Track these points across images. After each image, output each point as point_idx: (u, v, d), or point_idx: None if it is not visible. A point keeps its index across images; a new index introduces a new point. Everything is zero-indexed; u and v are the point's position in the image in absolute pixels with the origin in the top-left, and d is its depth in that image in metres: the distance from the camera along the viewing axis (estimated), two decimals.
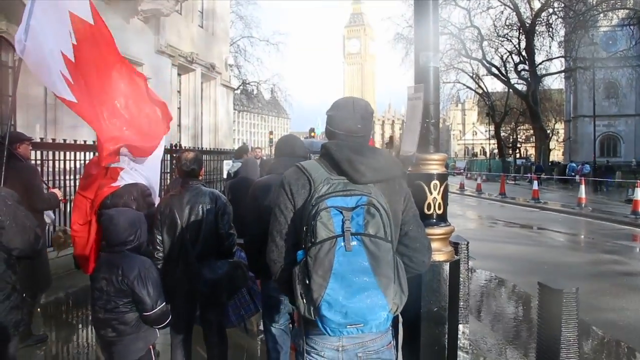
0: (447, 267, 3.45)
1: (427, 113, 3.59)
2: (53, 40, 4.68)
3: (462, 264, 4.77)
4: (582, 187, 20.35)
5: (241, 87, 51.89)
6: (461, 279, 4.53)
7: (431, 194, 3.50)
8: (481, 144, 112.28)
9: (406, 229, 2.34)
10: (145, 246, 3.77)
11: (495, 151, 64.42)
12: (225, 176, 12.72)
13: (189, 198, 4.18)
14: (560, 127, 70.60)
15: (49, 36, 4.66)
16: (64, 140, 9.40)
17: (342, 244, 2.02)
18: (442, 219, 3.56)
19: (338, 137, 2.37)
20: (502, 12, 43.57)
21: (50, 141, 9.05)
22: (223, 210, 4.25)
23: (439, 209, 3.53)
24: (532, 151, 63.32)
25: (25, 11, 4.61)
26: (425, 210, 3.48)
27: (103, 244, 3.68)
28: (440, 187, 3.53)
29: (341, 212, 2.06)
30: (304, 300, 2.06)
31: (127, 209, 3.97)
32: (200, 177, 4.51)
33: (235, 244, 4.51)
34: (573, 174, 36.98)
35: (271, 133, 47.10)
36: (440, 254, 3.46)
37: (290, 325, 4.23)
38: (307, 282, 2.03)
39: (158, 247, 4.17)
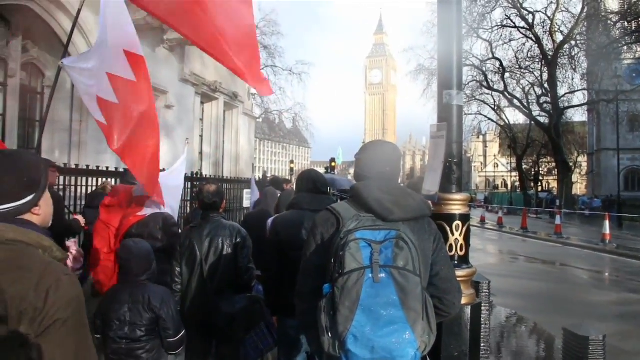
0: (468, 310, 3.38)
1: (450, 152, 3.55)
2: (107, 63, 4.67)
3: (483, 304, 4.67)
4: (607, 222, 19.93)
5: (263, 115, 52.33)
6: (482, 319, 4.44)
7: (453, 235, 3.45)
8: (502, 176, 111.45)
9: (437, 269, 2.33)
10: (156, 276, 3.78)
11: (517, 184, 63.82)
12: (245, 205, 12.71)
13: (209, 231, 4.20)
14: (583, 160, 69.83)
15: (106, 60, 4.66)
16: (87, 166, 9.48)
17: (370, 275, 2.00)
18: (464, 260, 3.50)
19: (367, 179, 2.41)
20: (524, 44, 43.55)
21: (74, 167, 9.12)
22: (243, 244, 4.26)
23: (461, 250, 3.47)
24: (554, 184, 62.64)
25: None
26: (448, 253, 3.42)
27: (121, 275, 3.70)
28: (462, 227, 3.48)
29: (370, 245, 2.05)
30: (329, 334, 2.02)
31: (140, 240, 3.97)
32: (221, 210, 4.51)
33: (254, 278, 4.48)
34: (583, 207, 37.05)
35: (292, 162, 47.22)
36: (462, 297, 3.39)
37: None
38: (333, 314, 2.00)
39: (176, 279, 4.17)
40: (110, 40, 4.54)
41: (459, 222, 3.45)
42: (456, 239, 3.44)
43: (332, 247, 2.13)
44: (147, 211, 4.89)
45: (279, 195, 5.99)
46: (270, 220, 5.39)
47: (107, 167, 9.76)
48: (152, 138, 4.80)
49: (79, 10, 4.70)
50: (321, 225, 2.31)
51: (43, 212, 1.83)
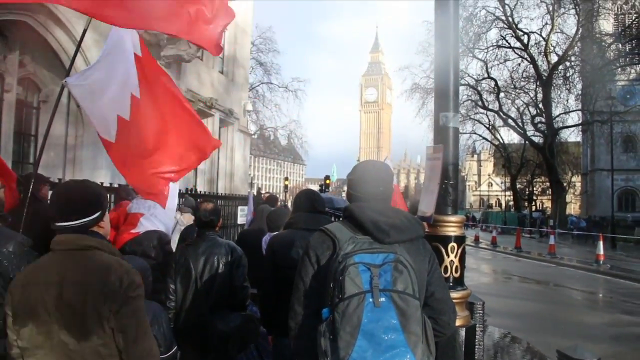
0: (463, 332, 3.37)
1: (446, 174, 3.57)
2: (118, 84, 4.66)
3: (477, 325, 4.66)
4: (600, 243, 20.01)
5: (258, 132, 52.38)
6: (476, 340, 4.42)
7: (448, 256, 3.45)
8: (497, 195, 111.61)
9: (432, 289, 2.33)
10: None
11: (511, 203, 63.93)
12: (240, 222, 12.67)
13: (204, 248, 4.20)
14: (577, 180, 70.12)
15: (115, 79, 4.64)
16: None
17: (371, 300, 1.99)
18: (459, 282, 3.50)
19: (360, 199, 2.39)
20: (519, 65, 43.94)
21: None
22: (238, 263, 4.26)
23: (456, 272, 3.48)
24: (548, 204, 62.75)
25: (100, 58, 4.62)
26: (442, 273, 3.41)
27: None
28: (457, 249, 3.48)
29: (369, 269, 2.04)
30: (330, 359, 2.00)
31: (133, 257, 3.96)
32: (217, 229, 4.52)
33: (249, 297, 4.47)
34: (572, 227, 37.48)
35: (286, 179, 47.19)
36: (457, 319, 3.39)
37: None
38: (334, 339, 1.98)
39: (170, 297, 4.15)
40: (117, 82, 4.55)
41: (454, 244, 3.46)
42: (451, 260, 3.44)
43: (329, 271, 2.12)
44: (140, 229, 4.87)
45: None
46: (265, 239, 5.40)
47: (102, 183, 9.75)
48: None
49: (84, 31, 4.65)
50: (316, 247, 2.28)
51: (105, 226, 2.50)
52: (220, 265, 4.16)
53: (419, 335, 2.02)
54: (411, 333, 1.99)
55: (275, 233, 4.44)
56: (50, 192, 6.93)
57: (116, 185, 7.91)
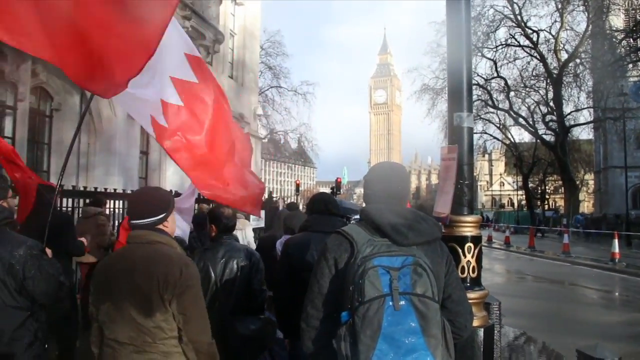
0: (481, 333, 3.36)
1: (461, 174, 3.56)
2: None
3: (495, 326, 4.64)
4: (616, 241, 19.79)
5: (268, 136, 52.41)
6: (494, 340, 4.40)
7: (465, 256, 3.44)
8: (509, 195, 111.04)
9: (449, 291, 2.33)
10: None
11: (523, 202, 63.54)
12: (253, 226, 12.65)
13: (223, 253, 4.24)
14: (589, 178, 69.52)
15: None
16: (95, 188, 9.54)
17: (391, 303, 1.98)
18: (476, 282, 3.49)
19: (377, 199, 2.40)
20: (528, 63, 43.64)
21: (82, 189, 9.18)
22: (257, 267, 4.29)
23: (473, 272, 3.46)
24: (561, 202, 62.35)
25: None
26: (459, 274, 3.40)
27: None
28: (474, 249, 3.47)
29: (388, 272, 2.04)
30: None
31: None
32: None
33: (267, 300, 4.49)
34: (578, 225, 37.51)
35: (298, 183, 47.24)
36: (474, 319, 3.37)
37: None
38: (354, 343, 1.98)
39: None
40: (168, 44, 4.35)
41: (471, 244, 3.44)
42: (468, 261, 3.43)
43: (348, 274, 2.12)
44: None
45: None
46: (279, 242, 5.40)
47: (115, 189, 9.81)
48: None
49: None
50: (334, 250, 2.27)
51: (170, 225, 2.92)
52: (239, 270, 4.20)
53: (438, 339, 2.02)
54: (431, 336, 1.99)
55: (290, 236, 4.44)
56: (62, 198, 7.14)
57: (129, 192, 7.98)
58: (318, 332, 2.22)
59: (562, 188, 51.15)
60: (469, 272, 3.43)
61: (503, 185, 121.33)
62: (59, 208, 7.06)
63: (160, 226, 2.86)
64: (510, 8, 41.13)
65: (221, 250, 4.26)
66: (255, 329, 4.12)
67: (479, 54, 43.09)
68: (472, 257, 3.44)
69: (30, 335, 3.35)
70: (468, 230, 3.47)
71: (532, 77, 44.18)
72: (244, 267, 4.21)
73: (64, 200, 8.13)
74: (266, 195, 18.08)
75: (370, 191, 2.45)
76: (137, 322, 2.61)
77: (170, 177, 15.03)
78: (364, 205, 2.56)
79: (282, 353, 4.62)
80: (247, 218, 8.79)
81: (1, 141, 5.35)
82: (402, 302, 1.99)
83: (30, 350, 3.34)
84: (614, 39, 38.80)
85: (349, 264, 2.15)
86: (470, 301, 3.39)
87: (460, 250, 3.42)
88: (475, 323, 3.38)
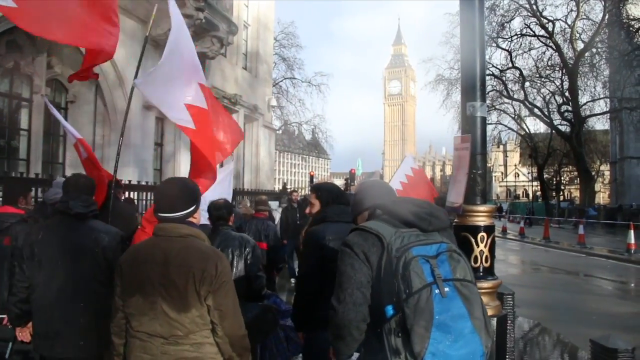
0: (494, 322, 3.36)
1: (474, 164, 3.55)
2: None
3: (508, 316, 4.63)
4: (631, 232, 19.58)
5: (283, 127, 52.42)
6: (507, 330, 4.40)
7: (478, 246, 3.43)
8: (524, 186, 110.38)
9: None
10: None
11: (538, 193, 63.11)
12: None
13: (219, 242, 4.43)
14: (605, 168, 68.88)
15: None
16: (129, 181, 9.68)
17: (437, 291, 2.01)
18: (489, 272, 3.49)
19: (376, 199, 2.53)
20: (544, 53, 43.21)
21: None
22: (252, 254, 4.47)
23: (486, 261, 3.46)
24: (576, 193, 61.86)
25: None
26: (472, 263, 3.41)
27: None
28: (487, 239, 3.46)
29: (427, 261, 2.07)
30: (403, 355, 2.02)
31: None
32: (231, 223, 4.82)
33: (264, 286, 4.56)
34: (590, 217, 37.31)
35: (312, 174, 47.24)
36: (487, 308, 3.37)
37: None
38: (407, 335, 2.00)
39: None
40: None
41: (484, 234, 3.44)
42: (481, 250, 3.42)
43: (386, 268, 2.13)
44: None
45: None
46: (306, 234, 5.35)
47: (130, 181, 9.90)
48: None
49: (144, 47, 5.35)
50: (362, 245, 2.23)
51: (198, 217, 2.95)
52: (235, 257, 4.40)
53: (482, 320, 2.07)
54: (476, 319, 2.05)
55: (311, 228, 4.33)
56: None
57: (143, 184, 8.06)
58: (363, 322, 2.20)
59: (578, 179, 50.72)
60: (482, 261, 3.43)
61: (518, 176, 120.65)
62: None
63: (190, 219, 2.87)
64: None
65: (217, 239, 4.43)
66: (253, 315, 4.16)
67: (494, 44, 42.75)
68: (485, 246, 3.44)
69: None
70: (481, 220, 3.46)
71: (548, 67, 43.75)
72: (239, 255, 4.41)
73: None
74: (280, 186, 18.12)
75: (364, 196, 2.65)
76: (169, 317, 2.60)
77: (185, 169, 15.09)
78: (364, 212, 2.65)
79: (297, 339, 4.63)
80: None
81: (85, 143, 6.04)
82: (447, 289, 2.03)
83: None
84: (631, 28, 38.25)
85: (382, 258, 2.15)
86: (484, 291, 3.42)
87: (473, 240, 3.42)
88: (489, 312, 3.37)
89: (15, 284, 3.64)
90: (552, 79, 44.66)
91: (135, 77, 5.06)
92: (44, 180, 8.49)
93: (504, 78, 45.06)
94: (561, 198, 57.29)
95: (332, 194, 4.00)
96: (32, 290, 3.56)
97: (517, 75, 44.36)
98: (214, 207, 4.72)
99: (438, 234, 2.23)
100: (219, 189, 5.87)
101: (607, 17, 38.93)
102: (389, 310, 2.07)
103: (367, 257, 2.20)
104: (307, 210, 4.07)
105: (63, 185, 3.96)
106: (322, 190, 4.07)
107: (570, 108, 43.01)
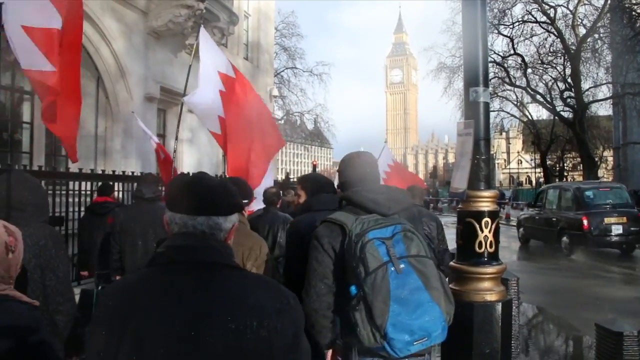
0: (499, 307, 3.37)
1: (478, 149, 3.55)
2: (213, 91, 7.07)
3: (512, 300, 4.64)
4: None
5: (285, 117, 52.34)
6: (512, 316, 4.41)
7: (482, 232, 3.44)
8: (527, 172, 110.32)
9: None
10: None
11: (542, 180, 63.02)
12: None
13: (269, 219, 5.89)
14: (608, 154, 68.72)
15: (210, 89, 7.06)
16: (113, 171, 9.64)
17: (392, 268, 2.23)
18: (494, 257, 3.49)
19: (353, 183, 2.69)
20: (545, 39, 42.86)
21: (100, 172, 9.27)
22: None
23: (491, 247, 3.46)
24: (580, 179, 61.68)
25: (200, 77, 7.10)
26: (477, 249, 3.42)
27: None
28: (491, 224, 3.47)
29: (383, 242, 2.29)
30: (368, 329, 2.20)
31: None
32: (278, 205, 6.44)
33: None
34: None
35: (315, 164, 47.21)
36: (492, 293, 3.38)
37: None
38: (368, 310, 2.19)
39: None
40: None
41: (488, 219, 3.44)
42: (485, 235, 3.42)
43: (347, 253, 2.34)
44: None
45: None
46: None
47: (133, 172, 9.91)
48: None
49: (188, 73, 7.49)
50: (327, 236, 2.48)
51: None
52: (280, 230, 5.68)
53: (439, 290, 2.29)
54: (433, 289, 2.27)
55: (295, 218, 4.31)
56: (87, 182, 7.87)
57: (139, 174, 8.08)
58: (326, 308, 2.44)
59: (581, 165, 50.56)
60: (486, 247, 3.42)
61: (521, 163, 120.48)
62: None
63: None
64: None
65: (268, 217, 5.95)
66: None
67: (495, 31, 42.46)
68: (490, 232, 3.44)
69: None
70: (485, 205, 3.46)
71: (550, 54, 43.45)
72: (282, 228, 5.65)
73: (84, 184, 8.33)
74: (283, 176, 18.13)
75: (346, 177, 2.76)
76: None
77: (189, 159, 15.11)
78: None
79: None
80: None
81: (163, 148, 7.82)
82: (402, 265, 2.25)
83: None
84: (633, 13, 38.07)
85: (345, 245, 2.37)
86: (488, 276, 3.43)
87: (477, 226, 3.42)
88: (494, 297, 3.39)
89: (111, 251, 5.52)
90: (554, 65, 44.39)
91: (184, 94, 7.55)
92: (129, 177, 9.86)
93: (505, 65, 44.82)
94: None
95: (318, 183, 3.97)
96: (123, 254, 5.37)
97: (519, 62, 44.11)
98: (267, 194, 6.22)
99: (398, 216, 2.45)
100: (268, 180, 7.19)
101: (609, 2, 38.65)
102: (353, 289, 2.27)
103: (333, 246, 2.45)
104: (294, 201, 4.47)
105: (139, 180, 5.21)
106: (308, 180, 4.13)
107: (572, 94, 42.77)
